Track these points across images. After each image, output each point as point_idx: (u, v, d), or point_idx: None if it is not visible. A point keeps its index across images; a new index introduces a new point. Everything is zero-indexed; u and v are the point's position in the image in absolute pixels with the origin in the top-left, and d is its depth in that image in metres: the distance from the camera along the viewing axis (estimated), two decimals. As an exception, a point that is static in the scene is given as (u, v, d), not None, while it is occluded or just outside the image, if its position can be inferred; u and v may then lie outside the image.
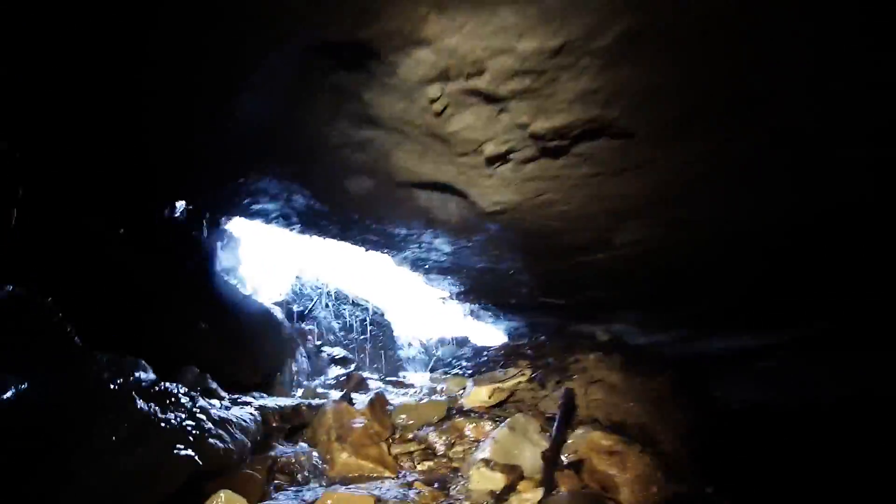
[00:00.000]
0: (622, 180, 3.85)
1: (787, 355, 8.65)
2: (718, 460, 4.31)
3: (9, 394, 3.04)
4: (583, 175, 3.80)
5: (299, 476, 3.51)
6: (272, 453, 3.64)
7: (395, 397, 5.60)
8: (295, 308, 7.42)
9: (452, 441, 4.29)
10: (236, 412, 3.80)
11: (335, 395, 5.62)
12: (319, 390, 5.70)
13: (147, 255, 5.64)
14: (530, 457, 3.68)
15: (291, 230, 6.37)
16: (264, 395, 4.83)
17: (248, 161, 4.48)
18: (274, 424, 4.04)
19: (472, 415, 4.76)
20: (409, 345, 9.75)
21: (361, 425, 4.00)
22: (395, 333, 9.47)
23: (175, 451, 3.06)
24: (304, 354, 6.53)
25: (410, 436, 4.38)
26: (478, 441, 4.24)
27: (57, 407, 3.13)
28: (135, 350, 4.75)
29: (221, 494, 2.96)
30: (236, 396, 4.34)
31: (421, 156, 3.85)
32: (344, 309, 8.65)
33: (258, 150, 4.28)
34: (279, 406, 4.27)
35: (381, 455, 3.86)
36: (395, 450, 4.15)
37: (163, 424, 3.20)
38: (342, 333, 8.27)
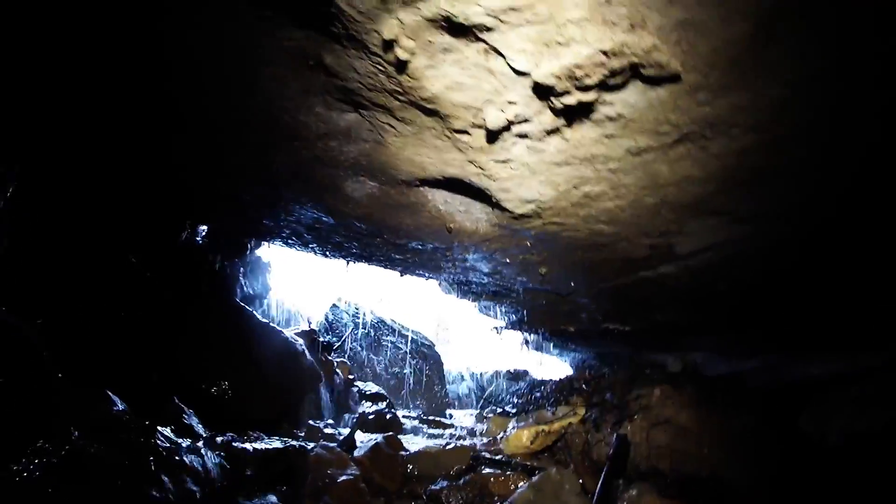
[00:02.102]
0: (679, 158, 2.92)
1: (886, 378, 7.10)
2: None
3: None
4: (626, 153, 2.91)
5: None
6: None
7: (420, 440, 4.76)
8: (323, 338, 6.74)
9: (471, 500, 3.39)
10: (198, 456, 3.13)
11: (361, 436, 4.87)
12: (328, 431, 4.93)
13: (158, 281, 5.21)
14: (563, 530, 2.74)
15: (311, 251, 5.78)
16: (263, 435, 4.13)
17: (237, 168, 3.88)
18: (248, 472, 3.32)
19: (504, 465, 3.83)
20: (462, 379, 8.88)
21: (350, 478, 3.19)
22: (444, 367, 8.62)
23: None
24: (328, 389, 5.81)
25: (422, 490, 3.52)
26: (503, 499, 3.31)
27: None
28: (127, 379, 4.31)
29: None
30: (216, 435, 3.68)
31: (417, 140, 3.09)
32: (386, 340, 7.92)
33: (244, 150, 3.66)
34: (259, 450, 3.54)
35: (368, 519, 3.03)
36: (398, 509, 3.32)
37: (90, 464, 2.65)
38: (382, 367, 7.52)
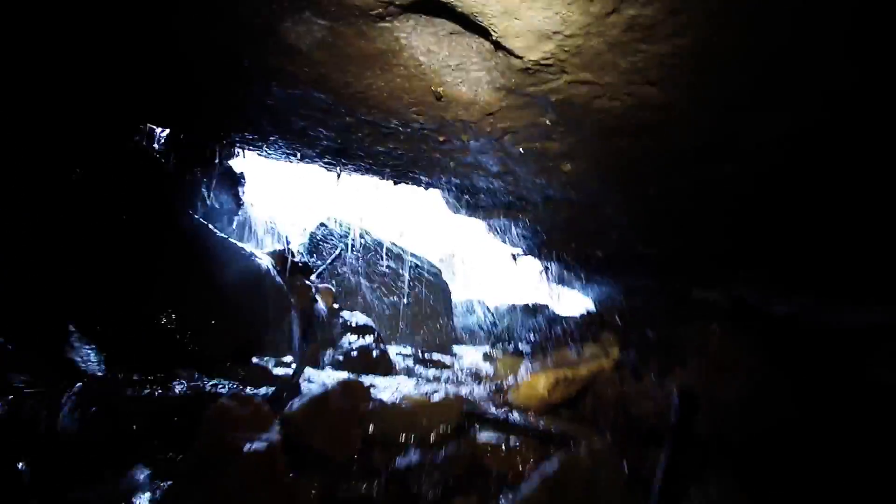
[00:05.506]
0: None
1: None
2: None
3: None
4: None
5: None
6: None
7: (407, 383, 3.71)
8: (303, 259, 5.66)
9: (456, 485, 2.28)
10: (45, 408, 2.12)
11: (334, 374, 3.89)
12: (278, 371, 3.90)
13: (98, 190, 4.18)
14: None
15: (281, 153, 4.72)
16: (184, 379, 3.10)
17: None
18: (134, 427, 2.27)
19: (510, 428, 2.74)
20: (472, 312, 7.85)
21: (261, 448, 2.07)
22: (452, 298, 7.55)
23: None
24: (303, 320, 4.77)
25: (383, 465, 2.43)
26: (503, 485, 2.21)
27: None
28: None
29: None
30: (106, 376, 2.73)
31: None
32: (384, 265, 6.83)
33: None
34: (154, 398, 2.49)
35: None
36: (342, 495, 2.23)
37: None
38: (377, 295, 6.47)
